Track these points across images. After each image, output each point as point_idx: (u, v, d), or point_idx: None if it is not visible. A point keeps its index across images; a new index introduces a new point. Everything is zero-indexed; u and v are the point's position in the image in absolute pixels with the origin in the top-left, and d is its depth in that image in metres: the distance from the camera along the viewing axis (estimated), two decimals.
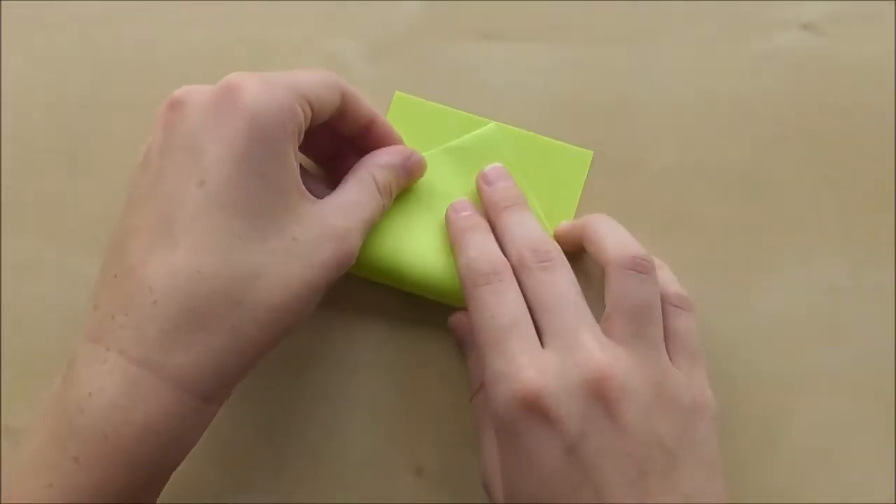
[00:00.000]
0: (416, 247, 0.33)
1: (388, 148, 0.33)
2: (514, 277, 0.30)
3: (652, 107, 0.36)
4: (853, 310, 0.35)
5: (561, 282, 0.30)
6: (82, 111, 0.37)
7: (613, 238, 0.31)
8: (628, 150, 0.36)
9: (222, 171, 0.26)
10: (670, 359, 0.30)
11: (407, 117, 0.36)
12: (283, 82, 0.28)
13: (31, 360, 0.35)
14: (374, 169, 0.32)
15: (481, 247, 0.31)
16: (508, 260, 0.31)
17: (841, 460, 0.34)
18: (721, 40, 0.37)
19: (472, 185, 0.34)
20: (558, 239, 0.34)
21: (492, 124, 0.35)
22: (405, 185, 0.33)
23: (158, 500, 0.28)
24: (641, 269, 0.30)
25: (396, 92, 0.36)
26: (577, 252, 0.34)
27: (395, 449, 0.34)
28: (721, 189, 0.36)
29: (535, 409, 0.27)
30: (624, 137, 0.36)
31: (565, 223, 0.35)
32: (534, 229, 0.32)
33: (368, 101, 0.32)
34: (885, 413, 0.34)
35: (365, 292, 0.35)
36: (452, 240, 0.33)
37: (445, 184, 0.34)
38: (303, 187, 0.29)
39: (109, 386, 0.25)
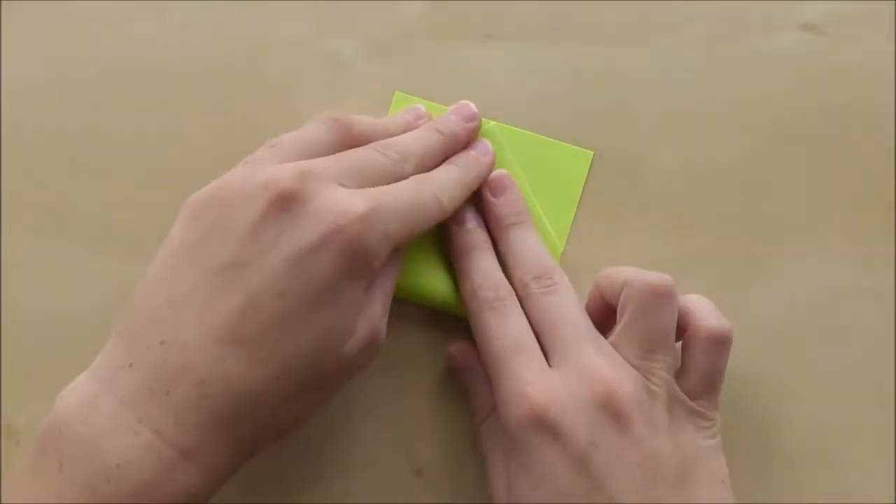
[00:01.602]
0: (415, 256, 0.33)
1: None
2: (516, 300, 0.31)
3: (652, 107, 0.36)
4: (853, 310, 0.35)
5: (564, 303, 0.30)
6: (82, 111, 0.37)
7: (632, 273, 0.31)
8: (628, 149, 0.36)
9: (303, 294, 0.26)
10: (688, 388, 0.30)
11: None
12: (390, 224, 0.28)
13: (31, 360, 0.35)
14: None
15: (485, 271, 0.32)
16: (511, 281, 0.32)
17: (840, 461, 0.34)
18: (721, 40, 0.37)
19: None
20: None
21: (492, 124, 0.35)
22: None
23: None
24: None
25: (396, 91, 0.36)
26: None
27: (395, 449, 0.34)
28: (721, 189, 0.36)
29: (543, 424, 0.27)
30: (624, 137, 0.36)
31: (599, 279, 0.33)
32: (537, 252, 0.32)
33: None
34: (884, 413, 0.34)
35: None
36: (454, 257, 0.33)
37: None
38: (366, 301, 0.28)
39: (144, 464, 0.24)
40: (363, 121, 0.32)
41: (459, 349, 0.33)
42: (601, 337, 0.30)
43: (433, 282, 0.33)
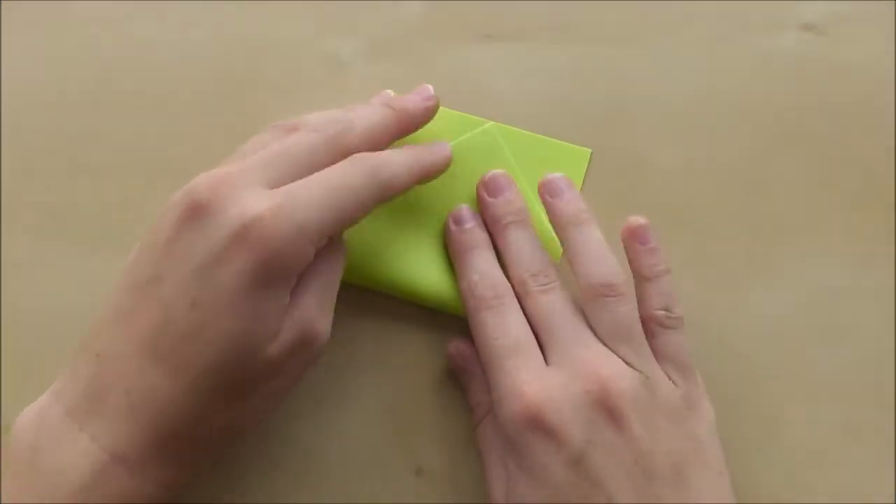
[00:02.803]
0: (414, 257, 0.33)
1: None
2: (515, 299, 0.31)
3: (652, 107, 0.36)
4: (853, 310, 0.35)
5: (559, 302, 0.31)
6: (82, 111, 0.37)
7: (586, 264, 0.31)
8: (628, 149, 0.36)
9: (216, 302, 0.26)
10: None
11: None
12: (304, 222, 0.26)
13: (31, 360, 0.35)
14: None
15: (483, 270, 0.32)
16: (509, 279, 0.32)
17: (841, 461, 0.34)
18: (721, 40, 0.37)
19: (470, 186, 0.34)
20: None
21: (490, 124, 0.35)
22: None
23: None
24: (611, 293, 0.30)
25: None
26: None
27: (395, 449, 0.34)
28: (721, 189, 0.36)
29: (538, 422, 0.28)
30: (624, 137, 0.36)
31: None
32: (534, 251, 0.32)
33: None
34: (884, 413, 0.34)
35: (364, 292, 0.35)
36: (453, 256, 0.33)
37: (444, 185, 0.34)
38: (288, 312, 0.27)
39: (82, 469, 0.26)
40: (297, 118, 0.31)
41: (458, 349, 0.33)
42: (596, 339, 0.30)
43: (432, 281, 0.33)
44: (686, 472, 0.28)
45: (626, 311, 0.30)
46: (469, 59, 0.37)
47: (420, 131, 0.35)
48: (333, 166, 0.28)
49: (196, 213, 0.26)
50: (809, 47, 0.37)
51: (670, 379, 0.30)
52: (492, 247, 0.33)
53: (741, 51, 0.37)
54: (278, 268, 0.26)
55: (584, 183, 0.36)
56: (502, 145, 0.35)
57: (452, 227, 0.33)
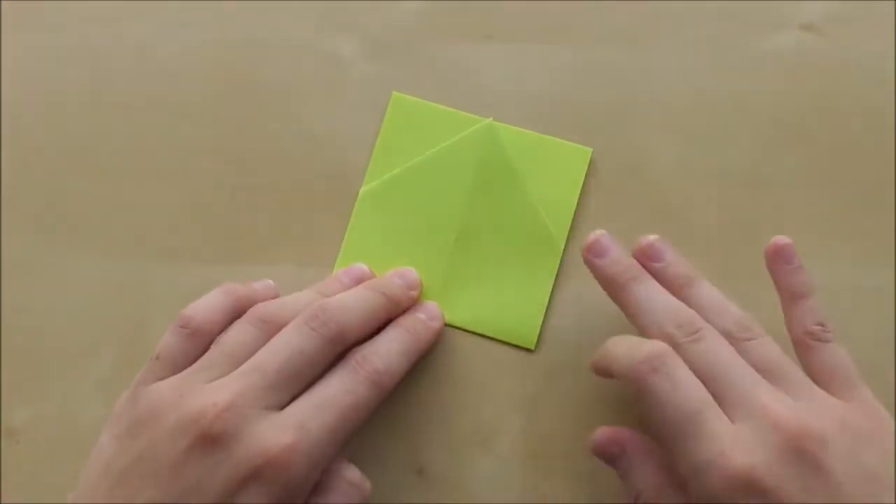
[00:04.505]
0: (424, 263, 0.34)
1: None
2: (679, 357, 0.29)
3: (652, 107, 0.36)
4: (853, 310, 0.35)
5: (717, 349, 0.29)
6: (82, 111, 0.37)
7: (713, 315, 0.30)
8: (628, 149, 0.36)
9: None
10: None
11: (405, 117, 0.36)
12: (318, 457, 0.27)
13: (31, 360, 0.35)
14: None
15: (658, 310, 0.30)
16: (651, 334, 0.30)
17: None
18: (721, 40, 0.37)
19: (468, 183, 0.35)
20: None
21: (487, 121, 0.35)
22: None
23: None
24: (752, 336, 0.29)
25: (394, 92, 0.36)
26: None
27: (396, 449, 0.34)
28: (721, 189, 0.36)
29: (753, 487, 0.26)
30: (624, 137, 0.36)
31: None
32: (668, 301, 0.30)
33: None
34: None
35: None
36: (613, 296, 0.32)
37: (445, 186, 0.34)
38: None
39: None
40: (276, 303, 0.31)
41: (606, 436, 0.31)
42: (766, 381, 0.29)
43: (442, 290, 0.34)
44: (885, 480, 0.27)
45: (772, 348, 0.29)
46: (469, 59, 0.37)
47: (421, 132, 0.35)
48: (339, 381, 0.29)
49: (209, 444, 0.26)
50: (809, 47, 0.37)
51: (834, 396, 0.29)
52: (653, 280, 0.31)
53: (741, 51, 0.37)
54: (292, 497, 0.27)
55: (584, 182, 0.36)
56: (500, 144, 0.35)
57: (597, 262, 0.32)
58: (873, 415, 0.29)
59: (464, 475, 0.34)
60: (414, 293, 0.34)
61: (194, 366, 0.29)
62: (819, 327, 0.30)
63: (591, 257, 0.32)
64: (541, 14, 0.37)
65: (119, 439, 0.28)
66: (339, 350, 0.29)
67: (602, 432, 0.31)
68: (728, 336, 0.29)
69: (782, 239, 0.31)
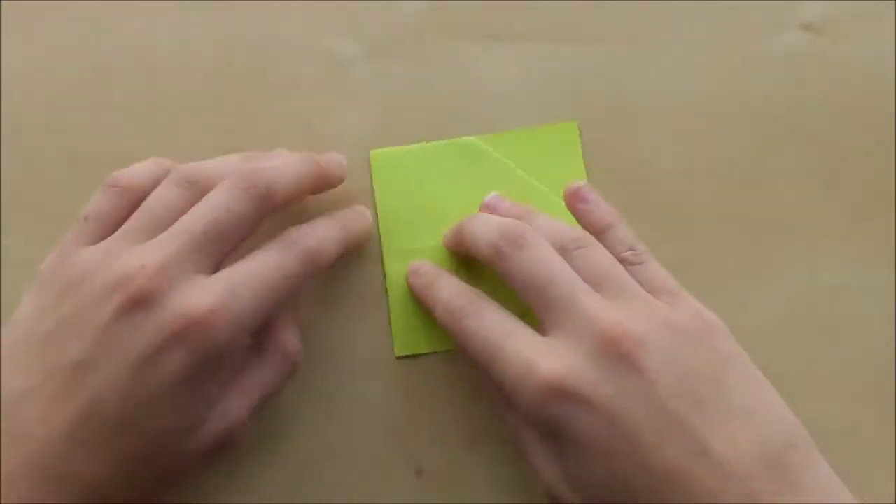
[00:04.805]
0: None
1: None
2: (488, 299, 0.30)
3: (652, 107, 0.36)
4: (854, 309, 0.35)
5: (542, 257, 0.29)
6: (82, 111, 0.37)
7: (549, 231, 0.31)
8: (628, 149, 0.36)
9: (149, 397, 0.26)
10: None
11: (390, 169, 0.36)
12: (245, 314, 0.27)
13: None
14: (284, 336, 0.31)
15: (448, 287, 0.32)
16: (482, 253, 0.30)
17: (841, 460, 0.34)
18: (721, 40, 0.37)
19: (467, 194, 0.35)
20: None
21: (471, 138, 0.36)
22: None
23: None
24: (582, 245, 0.30)
25: (371, 150, 0.36)
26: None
27: (395, 449, 0.34)
28: (721, 189, 0.36)
29: (566, 396, 0.26)
30: (624, 137, 0.36)
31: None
32: (499, 219, 0.31)
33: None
34: (885, 413, 0.34)
35: (364, 292, 0.35)
36: (422, 300, 0.33)
37: (454, 215, 0.34)
38: (216, 397, 0.28)
39: None
40: (202, 164, 0.31)
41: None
42: (586, 286, 0.29)
43: None
44: (724, 387, 0.27)
45: (602, 255, 0.30)
46: (469, 59, 0.37)
47: (410, 177, 0.35)
48: (271, 254, 0.29)
49: (135, 305, 0.26)
50: (809, 47, 0.37)
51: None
52: (450, 272, 0.33)
53: (741, 51, 0.37)
54: (215, 365, 0.27)
55: (584, 158, 0.36)
56: (491, 154, 0.35)
57: (412, 280, 0.34)
58: (697, 316, 0.29)
59: (463, 475, 0.34)
60: (344, 166, 0.34)
61: (122, 228, 0.29)
62: (630, 252, 0.31)
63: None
64: (541, 14, 0.37)
65: (43, 303, 0.28)
66: (267, 211, 0.29)
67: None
68: (560, 248, 0.30)
69: (577, 182, 0.33)
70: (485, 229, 0.31)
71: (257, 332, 0.30)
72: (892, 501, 0.33)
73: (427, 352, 0.34)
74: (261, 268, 0.28)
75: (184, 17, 0.37)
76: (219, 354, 0.27)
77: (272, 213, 0.30)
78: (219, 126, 0.36)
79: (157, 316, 0.26)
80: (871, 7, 0.37)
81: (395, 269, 0.35)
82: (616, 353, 0.27)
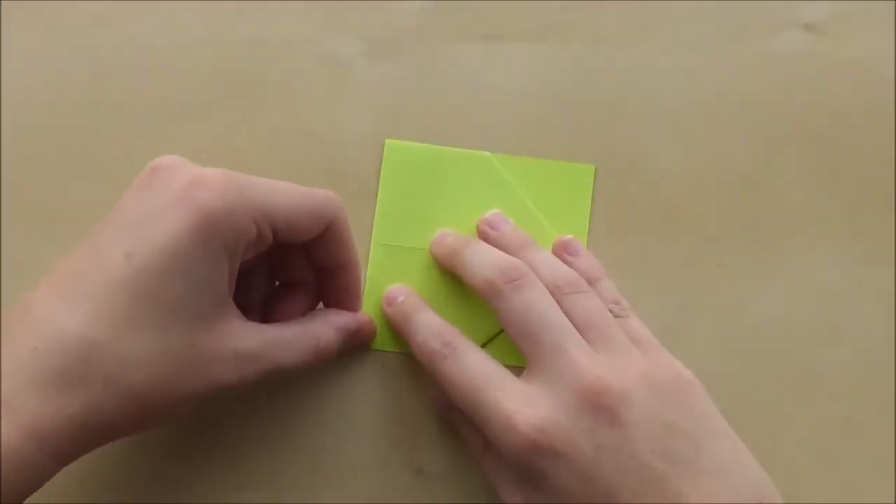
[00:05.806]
0: (434, 297, 0.34)
1: (348, 314, 0.32)
2: (464, 338, 0.31)
3: (652, 107, 0.36)
4: (853, 310, 0.35)
5: (537, 299, 0.30)
6: (82, 111, 0.37)
7: (545, 272, 0.31)
8: (628, 149, 0.36)
9: (150, 256, 0.26)
10: None
11: (402, 162, 0.36)
12: (251, 196, 0.27)
13: None
14: (324, 328, 0.31)
15: (424, 325, 0.31)
16: (476, 286, 0.31)
17: (841, 460, 0.34)
18: (721, 40, 0.37)
19: (471, 211, 0.35)
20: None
21: (487, 154, 0.35)
22: (346, 351, 0.33)
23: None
24: (580, 290, 0.31)
25: (387, 140, 0.36)
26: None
27: (395, 449, 0.34)
28: (721, 189, 0.36)
29: (543, 448, 0.27)
30: (624, 137, 0.36)
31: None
32: (498, 255, 0.31)
33: (355, 243, 0.31)
34: (884, 413, 0.34)
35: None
36: (398, 333, 0.33)
37: (456, 228, 0.34)
38: (229, 301, 0.28)
39: None
40: None
41: (438, 399, 0.33)
42: (578, 335, 0.29)
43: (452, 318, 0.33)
44: (701, 444, 0.27)
45: (595, 302, 0.30)
46: (469, 59, 0.37)
47: (420, 175, 0.35)
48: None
49: (151, 175, 0.27)
50: (809, 47, 0.37)
51: None
52: (427, 305, 0.33)
53: (741, 51, 0.37)
54: (215, 233, 0.26)
55: (592, 199, 0.35)
56: (503, 174, 0.35)
57: (386, 309, 0.33)
58: (677, 373, 0.29)
59: (463, 475, 0.34)
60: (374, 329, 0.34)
61: None
62: (615, 305, 0.31)
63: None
64: (541, 14, 0.37)
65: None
66: None
67: (436, 395, 0.33)
68: (555, 288, 0.30)
69: (566, 237, 0.34)
70: (483, 263, 0.31)
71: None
72: (893, 502, 0.33)
73: (405, 352, 0.34)
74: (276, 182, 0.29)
75: (184, 17, 0.37)
76: (218, 221, 0.26)
77: None
78: (219, 126, 0.36)
79: (167, 181, 0.27)
80: (872, 7, 0.37)
81: (379, 261, 0.35)
82: (597, 407, 0.27)
